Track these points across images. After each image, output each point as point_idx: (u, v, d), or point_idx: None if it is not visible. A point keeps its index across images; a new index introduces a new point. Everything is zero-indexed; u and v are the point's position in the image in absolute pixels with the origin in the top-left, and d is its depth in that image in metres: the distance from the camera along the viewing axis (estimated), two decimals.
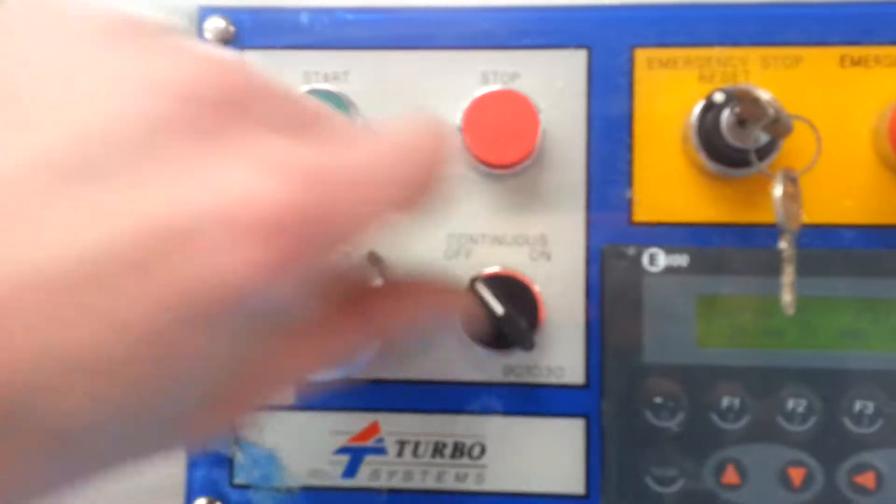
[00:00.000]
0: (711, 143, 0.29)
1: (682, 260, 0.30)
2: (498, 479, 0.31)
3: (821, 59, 0.31)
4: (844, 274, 0.29)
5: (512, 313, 0.29)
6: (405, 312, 0.24)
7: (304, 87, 0.32)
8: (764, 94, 0.26)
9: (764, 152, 0.29)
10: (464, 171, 0.32)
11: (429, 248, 0.32)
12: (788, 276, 0.27)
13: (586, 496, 0.30)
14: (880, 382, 0.29)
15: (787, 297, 0.27)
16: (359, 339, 0.22)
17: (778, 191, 0.26)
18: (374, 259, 0.32)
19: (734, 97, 0.28)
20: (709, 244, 0.30)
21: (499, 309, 0.29)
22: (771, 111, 0.25)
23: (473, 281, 0.30)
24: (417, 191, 0.18)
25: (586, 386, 0.31)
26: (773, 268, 0.29)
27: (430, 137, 0.19)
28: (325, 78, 0.33)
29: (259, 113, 0.16)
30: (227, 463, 0.32)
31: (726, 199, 0.30)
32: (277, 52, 0.33)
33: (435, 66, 0.32)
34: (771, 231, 0.30)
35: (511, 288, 0.30)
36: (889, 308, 0.29)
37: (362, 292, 0.24)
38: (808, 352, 0.29)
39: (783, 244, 0.27)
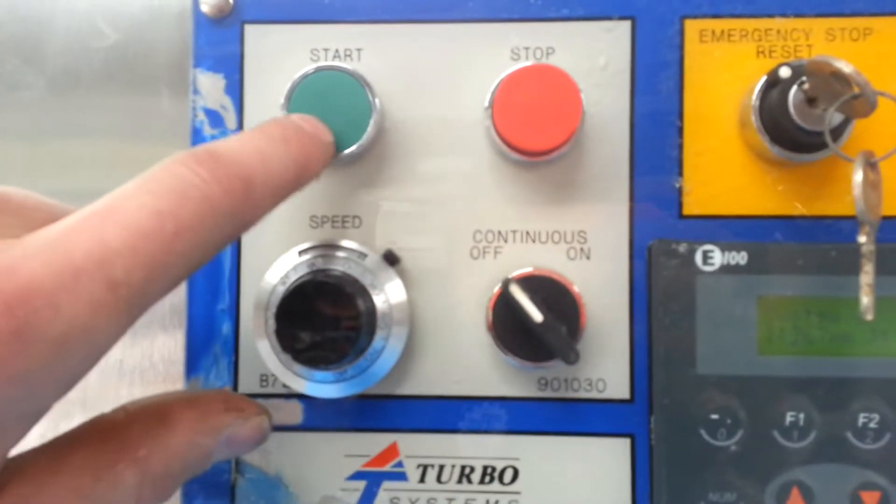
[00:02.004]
0: (776, 124, 0.25)
1: (740, 258, 0.27)
2: (537, 496, 0.27)
3: (893, 30, 0.27)
4: None
5: (551, 320, 0.25)
6: (160, 441, 0.21)
7: (312, 67, 0.28)
8: (847, 67, 0.22)
9: (835, 134, 0.25)
10: (492, 158, 0.28)
11: (453, 248, 0.28)
12: (867, 275, 0.24)
13: None
14: None
15: (865, 299, 0.24)
16: (109, 473, 0.20)
17: (858, 177, 0.23)
18: (392, 258, 0.28)
19: (804, 71, 0.24)
20: (770, 239, 0.27)
21: (537, 316, 0.25)
22: (855, 86, 0.22)
23: (506, 283, 0.26)
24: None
25: (632, 401, 0.27)
26: (842, 266, 0.26)
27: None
28: (336, 56, 0.29)
29: None
30: (227, 491, 0.28)
31: (790, 189, 0.27)
32: (281, 27, 0.29)
33: (458, 41, 0.29)
34: (841, 224, 0.27)
35: (548, 291, 0.26)
36: None
37: (111, 422, 0.21)
38: (883, 360, 0.26)
39: (862, 238, 0.24)
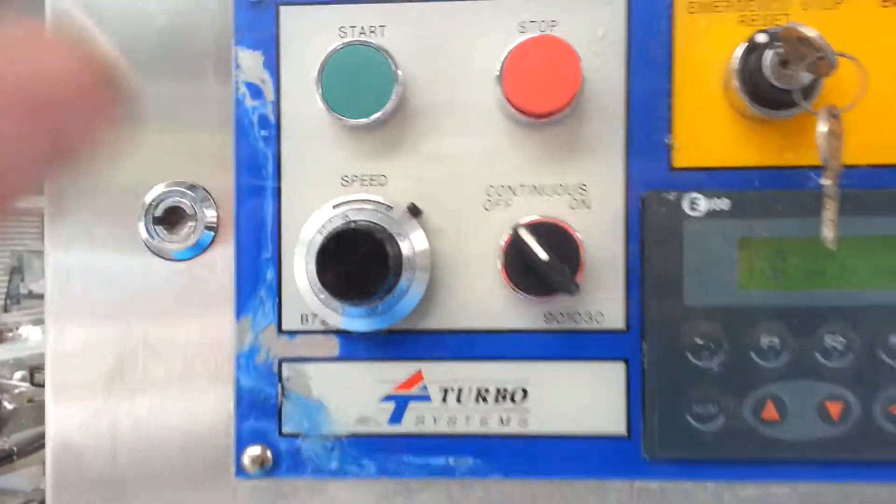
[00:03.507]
0: (754, 85, 0.29)
1: (723, 204, 0.30)
2: (541, 421, 0.32)
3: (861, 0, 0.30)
4: (885, 213, 0.29)
5: (555, 259, 0.29)
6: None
7: (340, 43, 0.32)
8: (810, 32, 0.26)
9: (807, 93, 0.29)
10: (503, 121, 0.32)
11: (468, 201, 0.32)
12: (831, 211, 0.27)
13: (628, 436, 0.31)
14: None
15: (829, 232, 0.27)
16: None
17: (822, 127, 0.26)
18: (415, 211, 0.32)
19: (777, 37, 0.28)
20: (750, 187, 0.31)
21: (543, 255, 0.29)
22: (818, 49, 0.25)
23: (516, 228, 0.30)
24: None
25: (626, 330, 0.31)
26: (814, 209, 0.29)
27: None
28: (362, 32, 0.33)
29: None
30: (275, 412, 0.33)
31: (768, 142, 0.31)
32: (312, 7, 0.33)
33: (472, 17, 0.32)
34: (812, 173, 0.31)
35: (552, 235, 0.30)
36: None
37: None
38: (848, 291, 0.30)
39: (826, 181, 0.27)
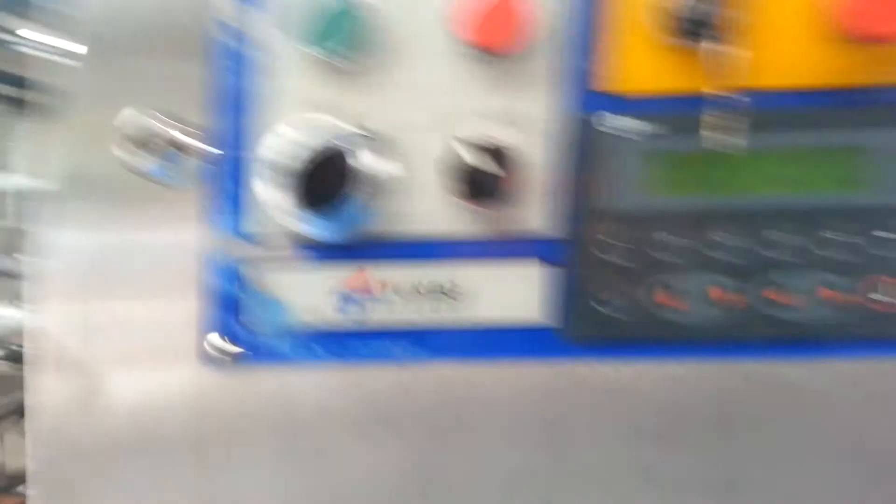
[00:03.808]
0: (675, 18, 0.33)
1: (634, 124, 0.35)
2: (469, 310, 0.36)
3: None
4: (775, 129, 0.34)
5: (487, 167, 0.34)
6: None
7: None
8: None
9: (706, 25, 0.33)
10: (450, 49, 0.36)
11: (412, 123, 0.36)
12: (723, 125, 0.32)
13: (544, 322, 0.36)
14: (790, 218, 0.34)
15: (721, 137, 0.32)
16: None
17: (707, 46, 0.31)
18: (368, 135, 0.36)
19: None
20: (665, 111, 0.35)
21: (475, 162, 0.34)
22: None
23: (456, 142, 0.34)
24: None
25: (546, 232, 0.36)
26: (713, 126, 0.34)
27: None
28: None
29: None
30: (236, 307, 0.37)
31: (683, 70, 0.35)
32: None
33: None
34: (719, 98, 0.35)
35: (486, 149, 0.35)
36: (799, 157, 0.35)
37: None
38: (732, 196, 0.35)
39: (715, 92, 0.32)
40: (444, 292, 0.36)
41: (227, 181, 0.37)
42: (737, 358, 0.35)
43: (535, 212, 0.36)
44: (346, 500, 0.37)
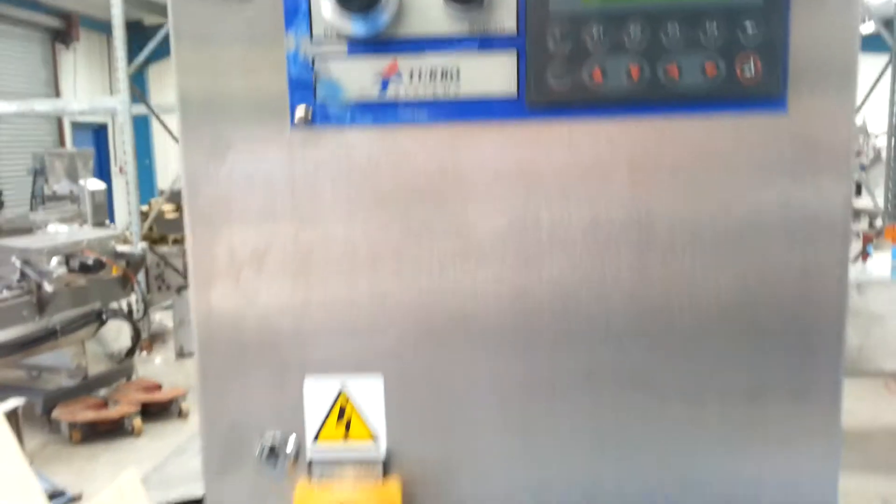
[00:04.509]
0: None
1: None
2: (465, 87, 0.54)
3: None
4: None
5: None
6: None
7: None
8: None
9: None
10: None
11: None
12: None
13: (516, 94, 0.54)
14: (685, 17, 0.51)
15: None
16: None
17: None
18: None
19: None
20: None
21: None
22: None
23: None
24: None
25: (517, 31, 0.53)
26: None
27: None
28: None
29: None
30: (312, 88, 0.55)
31: None
32: None
33: None
34: None
35: None
36: None
37: None
38: (647, 2, 0.51)
39: None
40: (451, 77, 0.54)
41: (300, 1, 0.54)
42: (646, 115, 0.53)
43: (509, 16, 0.53)
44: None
